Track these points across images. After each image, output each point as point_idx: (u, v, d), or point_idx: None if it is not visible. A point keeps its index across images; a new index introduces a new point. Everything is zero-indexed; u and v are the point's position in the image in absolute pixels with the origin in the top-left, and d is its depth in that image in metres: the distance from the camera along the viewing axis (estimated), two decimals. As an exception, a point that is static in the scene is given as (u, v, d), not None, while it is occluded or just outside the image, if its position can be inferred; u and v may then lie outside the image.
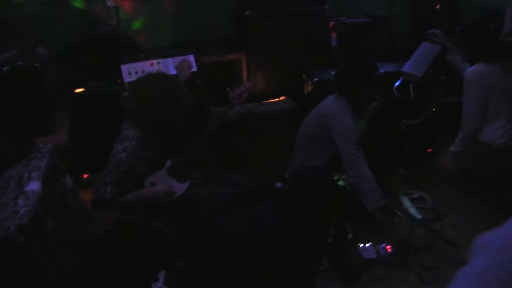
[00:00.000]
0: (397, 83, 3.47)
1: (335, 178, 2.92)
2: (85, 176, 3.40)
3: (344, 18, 4.44)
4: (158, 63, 3.38)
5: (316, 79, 3.77)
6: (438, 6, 4.44)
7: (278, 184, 3.07)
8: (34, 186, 1.96)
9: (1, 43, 3.50)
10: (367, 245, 2.78)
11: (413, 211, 3.17)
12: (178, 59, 3.28)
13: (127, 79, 3.28)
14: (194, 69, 3.39)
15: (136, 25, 4.24)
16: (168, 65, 3.40)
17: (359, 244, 2.79)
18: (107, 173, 2.37)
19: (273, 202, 2.19)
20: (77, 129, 3.28)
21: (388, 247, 2.75)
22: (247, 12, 4.03)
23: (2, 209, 1.82)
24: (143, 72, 3.25)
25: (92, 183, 2.53)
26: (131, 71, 3.32)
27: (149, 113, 2.36)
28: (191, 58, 3.39)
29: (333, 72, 3.17)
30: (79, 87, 3.38)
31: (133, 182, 2.46)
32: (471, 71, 2.95)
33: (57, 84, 3.55)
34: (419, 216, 3.13)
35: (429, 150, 3.76)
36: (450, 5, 4.56)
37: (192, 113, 2.49)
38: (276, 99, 4.02)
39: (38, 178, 2.02)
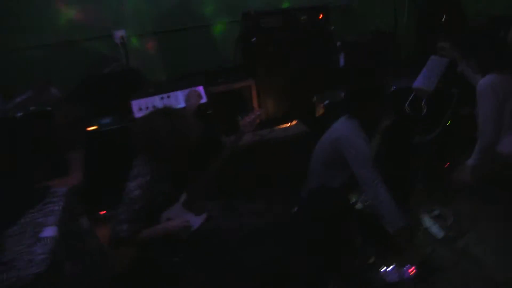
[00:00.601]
0: (409, 100, 3.44)
1: (353, 200, 2.88)
2: (102, 213, 3.41)
3: (351, 36, 4.44)
4: (168, 96, 3.40)
5: (327, 102, 3.75)
6: (443, 18, 4.41)
7: (295, 210, 3.04)
8: (50, 231, 1.95)
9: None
10: (389, 268, 2.71)
11: (435, 229, 3.10)
12: (187, 91, 3.30)
13: (138, 114, 3.30)
14: (204, 99, 3.40)
15: (145, 59, 4.28)
16: (178, 98, 3.41)
17: (381, 267, 2.73)
18: (122, 211, 2.40)
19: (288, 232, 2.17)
20: (91, 167, 3.30)
21: (411, 269, 2.68)
22: (253, 38, 4.05)
23: (19, 258, 1.82)
24: (153, 106, 3.28)
25: (109, 219, 2.55)
26: (141, 107, 3.34)
27: (158, 148, 2.42)
28: (201, 89, 3.41)
29: (343, 93, 3.15)
30: (91, 126, 3.42)
31: (149, 218, 2.47)
32: (483, 82, 2.91)
33: (69, 124, 3.58)
34: (441, 235, 3.06)
35: (447, 165, 3.69)
36: (456, 15, 4.53)
37: (201, 143, 2.51)
38: (288, 124, 4.01)
39: (54, 223, 2.01)
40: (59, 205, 2.18)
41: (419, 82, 3.39)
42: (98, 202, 3.29)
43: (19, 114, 3.13)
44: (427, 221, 3.18)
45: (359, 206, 2.87)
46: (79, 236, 2.32)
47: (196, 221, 2.65)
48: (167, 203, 2.57)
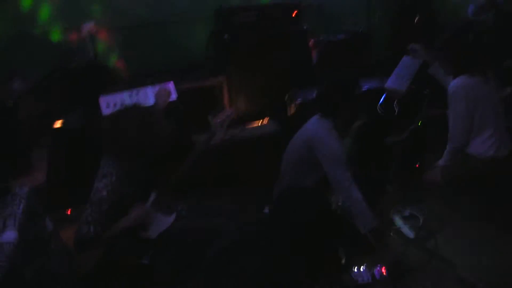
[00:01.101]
0: (381, 100, 3.44)
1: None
2: (69, 212, 3.31)
3: (324, 35, 4.42)
4: (137, 93, 3.30)
5: (299, 100, 3.71)
6: (416, 19, 4.44)
7: (266, 210, 3.00)
8: (9, 236, 1.85)
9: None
10: (360, 269, 2.70)
11: (405, 230, 3.11)
12: (157, 87, 3.22)
13: (106, 111, 3.19)
14: (174, 96, 3.32)
15: (113, 54, 4.16)
16: (147, 95, 3.32)
17: (353, 268, 2.71)
18: (89, 213, 2.32)
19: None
20: (56, 165, 3.19)
21: (383, 269, 2.68)
22: (226, 35, 3.98)
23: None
24: (122, 103, 3.18)
25: (74, 220, 2.46)
26: (109, 103, 3.23)
27: (124, 147, 2.37)
28: (171, 85, 3.32)
29: (315, 92, 3.12)
30: (56, 121, 3.31)
31: (117, 219, 2.39)
32: (454, 84, 2.93)
33: (34, 119, 3.47)
34: (412, 235, 3.07)
35: (417, 166, 3.71)
36: (428, 17, 4.58)
37: (170, 142, 2.45)
38: (259, 123, 3.96)
39: (14, 226, 1.91)
40: (20, 206, 2.08)
41: (391, 83, 3.39)
42: (64, 201, 3.18)
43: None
44: (398, 222, 3.19)
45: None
46: (41, 239, 2.23)
47: (165, 221, 2.59)
48: (135, 203, 2.50)
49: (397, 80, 3.38)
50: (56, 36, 3.98)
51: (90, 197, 2.36)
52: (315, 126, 2.96)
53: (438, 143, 3.22)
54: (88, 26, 3.94)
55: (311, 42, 4.25)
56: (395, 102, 3.39)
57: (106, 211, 2.32)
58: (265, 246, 2.00)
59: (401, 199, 3.40)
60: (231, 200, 3.02)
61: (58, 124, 3.27)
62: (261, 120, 4.01)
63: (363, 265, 2.71)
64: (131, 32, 4.27)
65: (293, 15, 4.20)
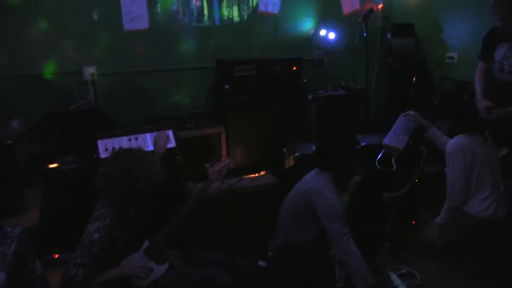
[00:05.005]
0: (379, 156, 3.45)
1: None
2: (56, 256, 3.22)
3: (322, 91, 4.50)
4: (136, 138, 3.30)
5: (297, 154, 3.72)
6: (414, 78, 4.55)
7: (261, 263, 2.93)
8: (-2, 277, 1.79)
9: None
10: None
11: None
12: (156, 133, 3.22)
13: (103, 155, 3.18)
14: (173, 144, 3.33)
15: (114, 99, 4.19)
16: (146, 140, 3.32)
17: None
18: (79, 255, 2.29)
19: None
20: (50, 206, 3.14)
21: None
22: (226, 86, 4.04)
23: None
24: (120, 147, 3.18)
25: (62, 264, 2.41)
26: (108, 147, 3.23)
27: (117, 190, 2.36)
28: (170, 133, 3.34)
29: (314, 147, 3.13)
30: (52, 162, 3.29)
31: (108, 265, 2.35)
32: (452, 143, 2.97)
33: (30, 159, 3.44)
34: (409, 294, 3.00)
35: (414, 222, 3.69)
36: (423, 77, 4.69)
37: (165, 188, 2.44)
38: (257, 174, 3.96)
39: (3, 268, 1.84)
40: (11, 247, 2.01)
41: (389, 140, 3.42)
42: (55, 244, 3.10)
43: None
44: (395, 279, 3.12)
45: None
46: (30, 282, 2.15)
47: (158, 270, 2.53)
48: (128, 249, 2.45)
49: (395, 137, 3.41)
50: (58, 78, 4.01)
51: (82, 240, 2.33)
52: (313, 180, 2.95)
53: (434, 201, 3.22)
54: (90, 70, 4.00)
55: (310, 97, 4.30)
56: (393, 158, 3.40)
57: (96, 255, 2.29)
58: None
59: (398, 256, 3.35)
60: (225, 251, 2.95)
61: (54, 165, 3.24)
62: (259, 172, 4.00)
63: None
64: (132, 78, 4.32)
65: (293, 70, 4.29)
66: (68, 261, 2.32)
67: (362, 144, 3.59)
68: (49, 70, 3.98)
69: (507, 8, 3.22)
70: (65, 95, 3.92)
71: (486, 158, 2.96)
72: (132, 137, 3.31)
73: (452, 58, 4.52)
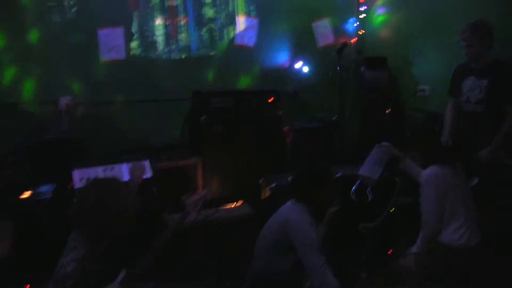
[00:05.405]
0: (354, 187, 3.49)
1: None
2: (27, 287, 3.12)
3: (298, 122, 4.55)
4: (112, 168, 3.28)
5: (273, 185, 3.73)
6: (389, 110, 4.65)
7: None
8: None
9: None
10: None
11: (380, 319, 3.04)
12: (132, 164, 3.20)
13: (78, 185, 3.14)
14: (149, 174, 3.31)
15: (89, 129, 4.15)
16: (122, 171, 3.30)
17: None
18: None
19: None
20: (22, 238, 3.07)
21: None
22: (203, 118, 4.05)
23: None
24: (95, 177, 3.14)
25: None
26: (83, 177, 3.19)
27: (90, 221, 2.30)
28: (146, 163, 3.32)
29: (289, 177, 3.15)
30: (24, 193, 3.22)
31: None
32: (426, 173, 3.03)
33: (1, 189, 3.37)
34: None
35: (389, 252, 3.71)
36: (396, 109, 4.80)
37: (139, 222, 2.40)
38: (233, 205, 3.94)
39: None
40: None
41: (364, 170, 3.47)
42: (27, 276, 3.01)
43: None
44: (373, 310, 3.12)
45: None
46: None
47: (133, 303, 2.46)
48: (102, 281, 2.38)
49: (369, 168, 3.46)
50: (32, 107, 3.96)
51: (54, 273, 2.27)
52: (290, 210, 2.96)
53: (410, 230, 3.24)
54: (65, 100, 3.96)
55: (285, 128, 4.35)
56: (368, 189, 3.44)
57: (70, 288, 2.21)
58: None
59: (374, 286, 3.35)
60: (202, 281, 2.91)
61: (26, 195, 3.18)
62: (235, 202, 3.99)
63: None
64: (107, 108, 4.30)
65: (269, 101, 4.34)
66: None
67: (338, 175, 3.66)
68: (23, 99, 3.92)
69: (470, 33, 3.37)
70: (39, 125, 3.86)
71: (458, 188, 3.01)
72: (108, 167, 3.28)
73: (423, 90, 4.64)
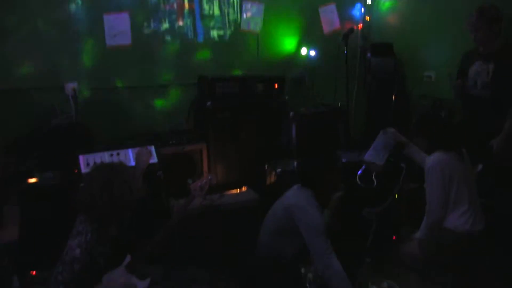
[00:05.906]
0: (359, 172, 3.50)
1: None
2: (33, 273, 3.16)
3: (303, 108, 4.55)
4: (118, 154, 3.30)
5: (279, 170, 3.75)
6: (394, 97, 4.63)
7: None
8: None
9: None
10: None
11: (384, 303, 3.06)
12: (138, 149, 3.22)
13: (85, 170, 3.16)
14: (155, 160, 3.33)
15: (95, 114, 4.17)
16: (128, 156, 3.32)
17: None
18: (60, 271, 2.26)
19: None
20: (29, 222, 3.10)
21: None
22: (208, 103, 4.06)
23: None
24: (101, 162, 3.16)
25: (39, 280, 2.36)
26: (89, 162, 3.21)
27: (97, 204, 2.31)
28: (152, 149, 3.34)
29: (295, 163, 3.16)
30: (32, 178, 3.25)
31: (89, 280, 2.31)
32: (431, 159, 3.02)
33: (10, 176, 3.40)
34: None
35: (394, 238, 3.73)
36: (402, 95, 4.78)
37: (146, 206, 2.43)
38: (238, 190, 3.96)
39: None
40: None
41: (370, 156, 3.48)
42: (34, 260, 3.05)
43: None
44: (377, 294, 3.15)
45: (310, 276, 2.80)
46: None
47: (139, 285, 2.51)
48: (109, 265, 2.41)
49: (375, 154, 3.47)
50: (39, 93, 3.98)
51: (62, 256, 2.30)
52: (295, 195, 2.98)
53: (414, 216, 3.25)
54: (71, 86, 3.97)
55: (291, 114, 4.35)
56: (374, 175, 3.45)
57: (78, 271, 2.24)
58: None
59: (379, 271, 3.37)
60: (207, 267, 2.94)
61: (33, 180, 3.21)
62: (240, 188, 4.01)
63: None
64: (113, 94, 4.32)
65: (275, 87, 4.33)
66: (49, 278, 2.28)
67: (343, 160, 3.67)
68: (29, 85, 3.93)
69: (477, 17, 3.35)
70: (46, 110, 3.87)
71: (463, 174, 3.01)
72: (114, 152, 3.30)
73: (430, 76, 4.61)
